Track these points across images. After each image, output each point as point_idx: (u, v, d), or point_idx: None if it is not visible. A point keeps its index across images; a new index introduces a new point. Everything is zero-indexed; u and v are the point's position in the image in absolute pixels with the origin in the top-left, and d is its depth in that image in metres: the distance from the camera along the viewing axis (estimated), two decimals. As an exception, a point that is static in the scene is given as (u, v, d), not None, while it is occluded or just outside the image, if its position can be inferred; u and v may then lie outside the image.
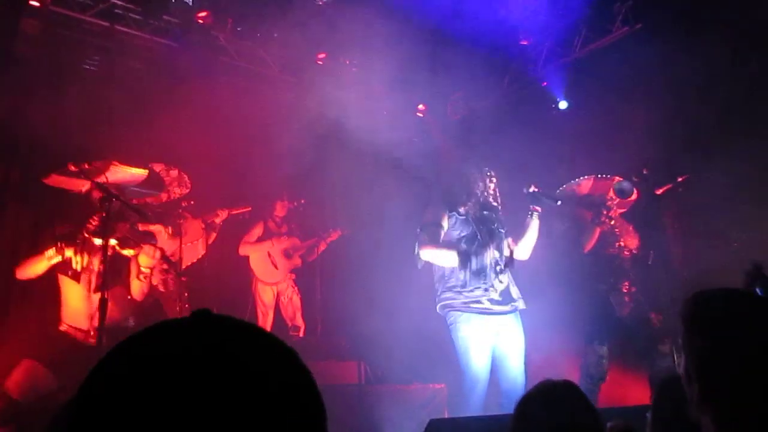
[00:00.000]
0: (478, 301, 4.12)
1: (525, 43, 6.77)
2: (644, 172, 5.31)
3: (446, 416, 4.85)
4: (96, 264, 4.11)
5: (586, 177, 5.48)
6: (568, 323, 5.60)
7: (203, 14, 5.87)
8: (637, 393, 5.02)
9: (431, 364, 5.50)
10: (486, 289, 4.14)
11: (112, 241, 4.07)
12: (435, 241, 4.21)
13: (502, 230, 4.38)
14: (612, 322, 5.11)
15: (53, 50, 5.56)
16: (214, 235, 6.08)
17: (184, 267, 5.66)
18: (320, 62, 6.79)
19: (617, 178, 5.34)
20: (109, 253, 4.02)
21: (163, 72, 5.95)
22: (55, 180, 4.28)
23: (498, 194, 4.42)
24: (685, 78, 5.49)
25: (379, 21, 6.05)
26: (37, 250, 4.11)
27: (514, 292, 4.31)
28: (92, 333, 4.01)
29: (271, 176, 6.61)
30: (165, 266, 4.63)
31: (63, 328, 4.09)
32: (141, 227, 4.83)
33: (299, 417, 0.68)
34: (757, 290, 1.79)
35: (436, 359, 5.44)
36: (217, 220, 6.01)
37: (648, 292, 5.13)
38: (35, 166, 5.09)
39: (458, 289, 4.16)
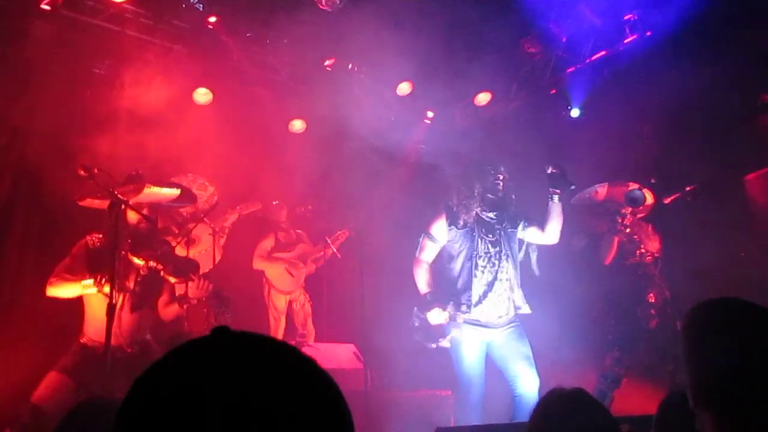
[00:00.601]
0: (469, 314, 4.11)
1: (533, 50, 6.77)
2: (652, 181, 5.30)
3: (453, 424, 4.82)
4: (131, 283, 4.10)
5: (600, 185, 5.47)
6: (587, 337, 5.55)
7: (213, 19, 5.90)
8: (653, 406, 4.97)
9: (438, 370, 5.47)
10: (481, 303, 4.13)
11: (151, 263, 4.03)
12: (420, 260, 4.31)
13: (512, 230, 4.31)
14: (638, 333, 5.09)
15: (63, 54, 5.58)
16: (224, 238, 6.08)
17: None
18: (328, 68, 6.80)
19: (631, 184, 5.31)
20: (143, 273, 4.08)
21: (173, 77, 5.96)
22: (89, 203, 4.20)
23: (509, 190, 4.32)
24: (695, 86, 5.49)
25: (387, 28, 6.06)
26: (71, 270, 4.01)
27: (518, 300, 4.26)
28: (116, 348, 3.95)
29: (280, 182, 6.62)
30: (215, 302, 4.35)
31: (84, 340, 4.05)
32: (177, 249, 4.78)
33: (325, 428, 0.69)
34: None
35: (443, 366, 5.42)
36: (226, 224, 6.01)
37: (675, 302, 5.09)
38: (45, 171, 5.09)
39: (458, 305, 4.14)
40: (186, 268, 4.16)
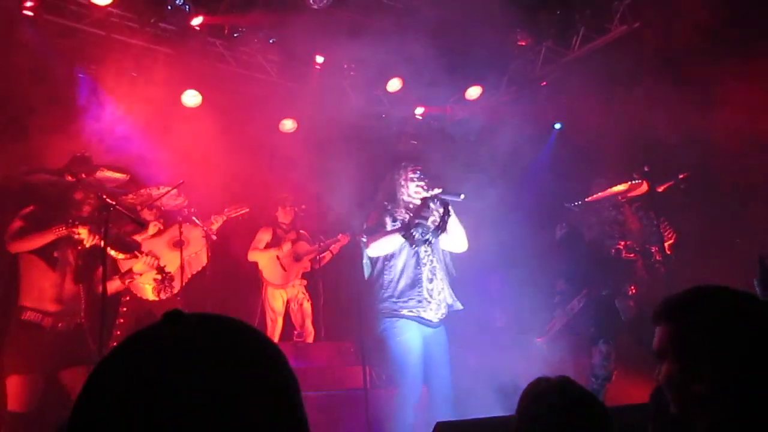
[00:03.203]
0: (412, 310, 4.05)
1: (523, 43, 6.74)
2: (646, 169, 5.27)
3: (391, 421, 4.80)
4: (72, 257, 4.28)
5: (597, 181, 5.51)
6: (572, 325, 5.58)
7: (200, 20, 5.85)
8: (645, 393, 4.97)
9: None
10: (419, 300, 4.06)
11: (99, 242, 4.17)
12: (378, 234, 4.13)
13: (439, 230, 4.19)
14: (618, 325, 5.08)
15: (48, 59, 5.53)
16: (213, 241, 6.03)
17: (189, 278, 5.62)
18: (318, 67, 6.77)
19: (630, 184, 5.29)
20: (87, 246, 4.25)
21: (160, 79, 5.91)
22: (39, 177, 4.41)
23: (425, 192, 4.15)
24: (685, 74, 5.48)
25: (376, 25, 6.03)
26: (31, 223, 4.17)
27: (449, 298, 4.20)
28: (59, 319, 4.19)
29: (273, 182, 6.58)
30: (158, 277, 4.68)
31: (25, 317, 4.12)
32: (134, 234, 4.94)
33: (265, 390, 0.72)
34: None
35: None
36: (214, 227, 5.95)
37: (657, 294, 5.09)
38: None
39: (394, 299, 4.08)
40: (131, 245, 4.38)
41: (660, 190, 5.33)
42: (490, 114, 7.53)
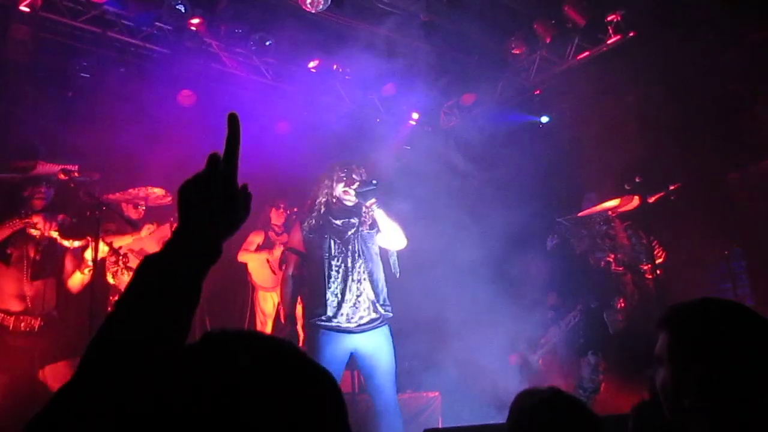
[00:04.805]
0: (330, 319, 3.89)
1: (518, 51, 6.77)
2: (637, 180, 5.28)
3: (440, 425, 4.81)
4: (31, 252, 4.23)
5: (588, 195, 5.54)
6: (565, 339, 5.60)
7: (196, 21, 5.84)
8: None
9: (425, 371, 5.46)
10: (339, 306, 3.91)
11: (53, 233, 4.12)
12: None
13: (369, 231, 4.12)
14: (606, 337, 5.10)
15: (43, 56, 5.51)
16: None
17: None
18: (313, 70, 6.77)
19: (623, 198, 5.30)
20: (42, 241, 4.20)
21: (155, 79, 5.90)
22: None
23: (366, 195, 4.06)
24: (680, 84, 5.52)
25: (371, 29, 6.05)
26: None
27: (379, 303, 4.04)
28: (23, 317, 4.12)
29: (266, 184, 6.57)
30: (113, 258, 4.61)
31: None
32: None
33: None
34: None
35: (430, 367, 5.41)
36: None
37: (645, 309, 5.10)
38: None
39: (316, 309, 3.95)
40: (84, 231, 4.29)
41: (651, 201, 5.36)
42: (483, 121, 7.55)
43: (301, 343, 4.35)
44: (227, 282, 6.75)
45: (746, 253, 5.75)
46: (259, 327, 6.50)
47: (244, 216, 1.13)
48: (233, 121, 1.11)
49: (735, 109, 5.83)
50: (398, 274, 4.29)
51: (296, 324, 4.20)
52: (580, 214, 5.63)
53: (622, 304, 5.08)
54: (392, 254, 4.29)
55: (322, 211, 4.11)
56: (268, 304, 6.62)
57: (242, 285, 6.72)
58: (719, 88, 5.73)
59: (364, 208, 4.10)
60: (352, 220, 4.10)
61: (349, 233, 4.08)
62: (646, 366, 4.82)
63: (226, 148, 1.15)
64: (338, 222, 4.10)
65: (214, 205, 1.08)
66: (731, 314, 1.48)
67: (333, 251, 4.02)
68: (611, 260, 5.21)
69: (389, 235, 4.17)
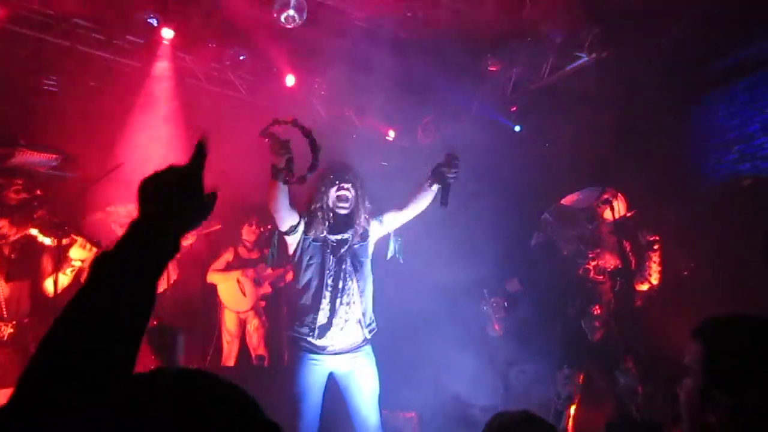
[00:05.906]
0: (314, 343, 3.69)
1: (494, 69, 6.80)
2: (605, 197, 5.24)
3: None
4: (6, 251, 3.96)
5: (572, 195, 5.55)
6: (541, 343, 5.59)
7: (169, 35, 5.76)
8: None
9: (401, 391, 5.37)
10: (325, 330, 3.68)
11: (33, 231, 3.92)
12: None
13: (361, 243, 3.89)
14: (584, 347, 5.06)
15: (11, 70, 5.38)
16: (180, 258, 5.88)
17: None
18: (289, 85, 6.72)
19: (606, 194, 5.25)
20: (18, 240, 3.94)
21: (126, 93, 5.80)
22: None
23: (358, 204, 3.87)
24: (647, 106, 5.59)
25: (348, 45, 6.02)
26: None
27: (367, 321, 3.83)
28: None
29: (239, 201, 6.47)
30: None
31: None
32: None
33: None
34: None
35: (407, 387, 5.33)
36: (185, 243, 5.81)
37: (621, 315, 5.10)
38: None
39: (299, 328, 3.71)
40: (60, 226, 3.99)
41: (629, 215, 5.36)
42: (461, 135, 7.56)
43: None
44: (200, 303, 6.63)
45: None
46: (225, 347, 6.38)
47: (206, 214, 1.15)
48: (203, 137, 1.08)
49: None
50: (401, 259, 4.04)
51: None
52: (563, 201, 5.53)
53: (599, 311, 5.04)
54: (397, 240, 4.04)
55: (319, 219, 3.81)
56: (232, 322, 6.47)
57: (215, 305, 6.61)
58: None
59: (358, 220, 3.86)
60: (345, 236, 3.83)
61: (342, 250, 3.82)
62: (610, 371, 4.83)
63: (195, 149, 1.15)
64: (333, 238, 3.83)
65: (174, 198, 1.07)
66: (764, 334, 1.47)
67: (325, 270, 3.76)
68: (590, 267, 5.16)
69: (413, 209, 3.91)
